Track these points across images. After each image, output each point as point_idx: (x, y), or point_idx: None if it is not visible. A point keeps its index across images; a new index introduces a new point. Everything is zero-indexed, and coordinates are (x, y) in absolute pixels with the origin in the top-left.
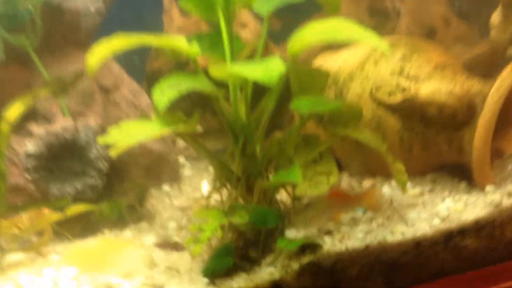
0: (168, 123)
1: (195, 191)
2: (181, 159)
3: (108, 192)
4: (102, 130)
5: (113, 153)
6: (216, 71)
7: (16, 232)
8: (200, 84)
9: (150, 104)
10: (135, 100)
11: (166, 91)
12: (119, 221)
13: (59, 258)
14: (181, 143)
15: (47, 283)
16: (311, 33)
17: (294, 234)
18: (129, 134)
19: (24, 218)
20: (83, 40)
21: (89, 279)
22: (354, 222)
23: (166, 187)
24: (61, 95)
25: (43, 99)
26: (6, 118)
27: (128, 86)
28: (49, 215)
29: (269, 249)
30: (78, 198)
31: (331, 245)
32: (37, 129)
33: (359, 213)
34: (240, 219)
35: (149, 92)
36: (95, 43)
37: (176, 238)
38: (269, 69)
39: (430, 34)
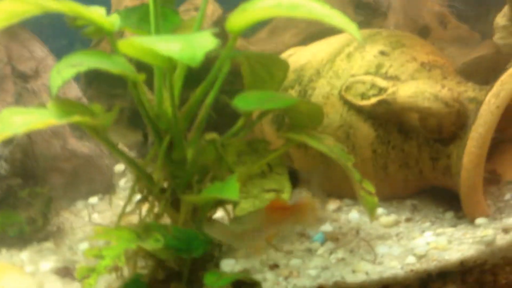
0: (64, 113)
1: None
2: (120, 167)
3: (9, 202)
4: None
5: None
6: (124, 45)
7: None
8: (110, 64)
9: (80, 97)
10: (60, 90)
11: (63, 71)
12: (20, 239)
13: None
14: (121, 147)
15: None
16: (259, 7)
17: (231, 265)
18: (10, 123)
19: None
20: None
21: None
22: (309, 254)
23: (93, 199)
24: None
25: None
26: None
27: None
28: None
29: (199, 283)
30: None
31: (273, 283)
32: None
33: (316, 241)
34: (153, 244)
35: (84, 84)
36: None
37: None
38: (192, 45)
39: (423, 33)
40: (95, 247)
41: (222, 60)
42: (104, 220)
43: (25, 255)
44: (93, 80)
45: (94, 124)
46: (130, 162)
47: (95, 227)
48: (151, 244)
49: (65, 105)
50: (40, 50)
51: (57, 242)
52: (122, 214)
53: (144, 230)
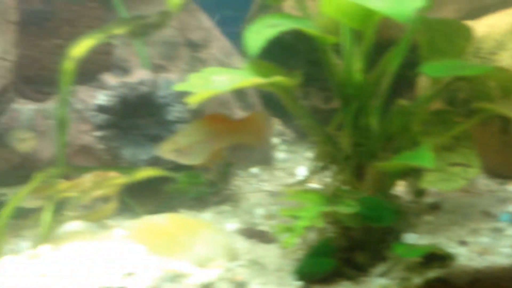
0: (261, 74)
1: (289, 177)
2: (275, 140)
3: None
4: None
5: (191, 102)
6: (328, 4)
7: (76, 195)
8: (306, 26)
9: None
10: (226, 60)
11: (264, 31)
12: (198, 201)
13: (124, 233)
14: (277, 122)
15: (109, 260)
16: None
17: (414, 240)
18: (211, 82)
19: (87, 180)
20: None
21: (158, 262)
22: (496, 233)
23: (254, 170)
24: (141, 37)
25: (120, 49)
26: (71, 56)
27: (219, 44)
28: (116, 178)
29: (380, 255)
30: (151, 166)
31: (467, 258)
32: (111, 80)
33: (503, 221)
34: (347, 208)
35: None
36: None
37: (264, 228)
38: (402, 2)
39: None
40: (289, 209)
41: (412, 27)
42: (271, 189)
43: (207, 216)
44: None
45: (287, 84)
46: (316, 126)
47: (287, 188)
48: (345, 209)
49: (259, 66)
50: (206, 21)
51: (233, 206)
52: (308, 178)
53: (332, 195)
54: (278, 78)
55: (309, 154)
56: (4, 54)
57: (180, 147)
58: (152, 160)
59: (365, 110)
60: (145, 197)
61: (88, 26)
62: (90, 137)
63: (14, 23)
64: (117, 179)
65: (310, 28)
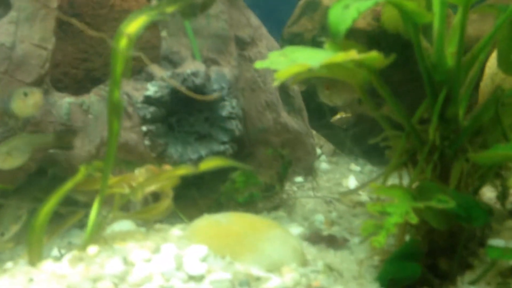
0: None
1: (337, 187)
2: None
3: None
4: (236, 84)
5: (276, 81)
6: None
7: (127, 191)
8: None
9: None
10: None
11: (351, 7)
12: (249, 206)
13: (181, 234)
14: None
15: (168, 263)
16: None
17: (501, 246)
18: (295, 59)
19: (139, 174)
20: None
21: (223, 264)
22: None
23: (299, 179)
24: (191, 17)
25: (168, 41)
26: (126, 32)
27: (267, 43)
28: (173, 171)
29: (465, 262)
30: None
31: None
32: (160, 71)
33: None
34: (441, 204)
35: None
36: None
37: (326, 233)
38: None
39: None
40: (377, 203)
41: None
42: (323, 196)
43: None
44: None
45: (380, 63)
46: (403, 115)
47: (372, 184)
48: (438, 204)
49: (341, 46)
50: (255, 19)
51: (288, 211)
52: (387, 174)
53: (418, 191)
54: (373, 54)
55: (354, 166)
56: (43, 42)
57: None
58: (199, 159)
59: (454, 100)
60: (190, 201)
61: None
62: (133, 134)
63: (54, 9)
64: (175, 171)
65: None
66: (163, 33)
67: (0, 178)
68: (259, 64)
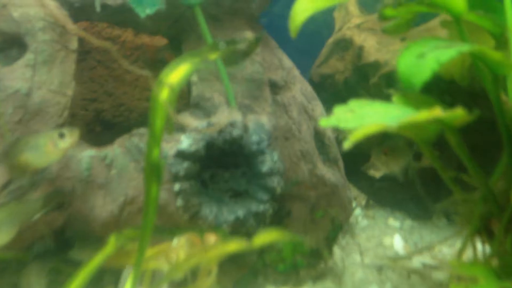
0: (417, 107)
1: (380, 248)
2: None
3: (276, 225)
4: (275, 135)
5: (348, 143)
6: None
7: (164, 266)
8: (479, 50)
9: (324, 115)
10: (309, 105)
11: (429, 57)
12: (290, 275)
13: None
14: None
15: None
16: None
17: None
18: (363, 115)
19: (177, 245)
20: (253, 14)
21: None
22: None
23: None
24: (233, 65)
25: (200, 85)
26: (167, 83)
27: (301, 87)
28: (221, 247)
29: None
30: (236, 229)
31: None
32: (193, 121)
33: None
34: None
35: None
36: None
37: None
38: None
39: None
40: (460, 283)
41: None
42: (371, 261)
43: None
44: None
45: (463, 120)
46: (481, 177)
47: (452, 261)
48: None
49: (412, 99)
50: (287, 59)
51: (336, 282)
52: (463, 248)
53: (501, 268)
54: (459, 112)
55: (392, 221)
56: (62, 88)
57: None
58: (238, 223)
59: None
60: (221, 271)
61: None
62: (162, 192)
63: (74, 51)
64: (224, 246)
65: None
66: (193, 78)
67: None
68: (325, 122)
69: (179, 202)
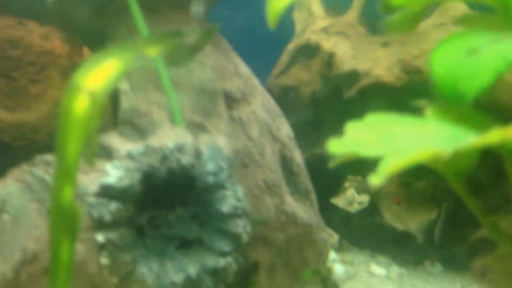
0: (461, 123)
1: None
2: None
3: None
4: (236, 162)
5: (378, 178)
6: None
7: None
8: None
9: (291, 137)
10: (273, 125)
11: (487, 53)
12: None
13: None
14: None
15: None
16: None
17: None
18: (391, 136)
19: None
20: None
21: None
22: None
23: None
24: (179, 63)
25: (133, 95)
26: (84, 89)
27: (263, 100)
28: None
29: None
30: None
31: None
32: (124, 144)
33: None
34: None
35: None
36: None
37: None
38: None
39: None
40: None
41: None
42: None
43: None
44: None
45: None
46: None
47: None
48: None
49: (452, 113)
50: (243, 66)
51: None
52: None
53: None
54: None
55: (376, 267)
56: None
57: None
58: (190, 285)
59: None
60: None
61: None
62: (79, 245)
63: None
64: None
65: None
66: (123, 85)
67: None
68: (335, 147)
69: (104, 259)
